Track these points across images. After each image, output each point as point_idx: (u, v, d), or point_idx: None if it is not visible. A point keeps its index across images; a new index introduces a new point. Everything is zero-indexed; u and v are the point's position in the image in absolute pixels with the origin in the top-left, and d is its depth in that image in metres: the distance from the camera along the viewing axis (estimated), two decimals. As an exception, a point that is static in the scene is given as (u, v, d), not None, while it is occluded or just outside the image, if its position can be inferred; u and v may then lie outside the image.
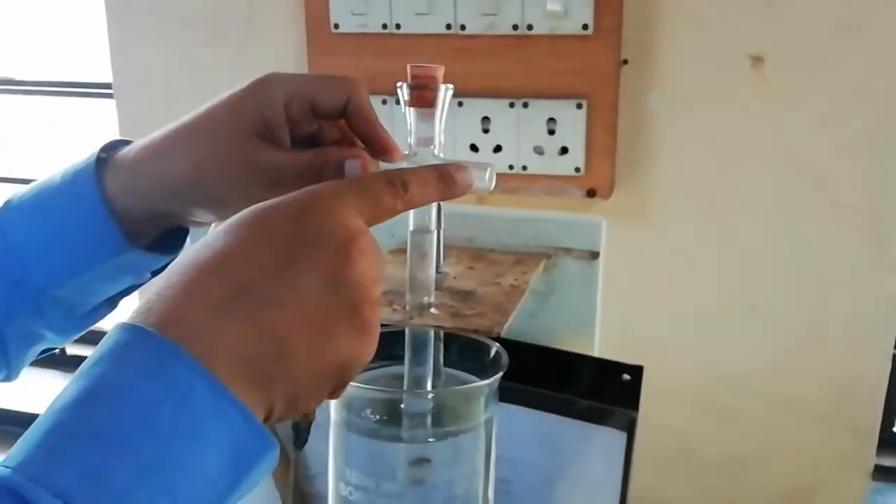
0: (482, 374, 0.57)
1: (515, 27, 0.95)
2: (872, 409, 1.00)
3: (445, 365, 0.61)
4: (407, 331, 0.54)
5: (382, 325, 0.58)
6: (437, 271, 0.61)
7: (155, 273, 0.54)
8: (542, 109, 0.96)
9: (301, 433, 0.72)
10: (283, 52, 1.07)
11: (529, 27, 0.94)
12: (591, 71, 0.94)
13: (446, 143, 1.00)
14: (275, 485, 0.70)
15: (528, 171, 0.98)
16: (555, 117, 0.96)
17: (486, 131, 0.98)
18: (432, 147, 0.52)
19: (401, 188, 0.42)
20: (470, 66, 0.97)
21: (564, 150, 0.97)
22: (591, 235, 0.67)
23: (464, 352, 0.60)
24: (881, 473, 1.28)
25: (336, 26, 1.00)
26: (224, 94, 0.51)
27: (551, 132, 0.97)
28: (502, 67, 0.96)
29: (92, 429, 0.31)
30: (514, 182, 0.99)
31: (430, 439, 0.56)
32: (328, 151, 0.50)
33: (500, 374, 0.56)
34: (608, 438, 0.67)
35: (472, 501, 0.54)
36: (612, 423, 0.67)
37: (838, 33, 0.90)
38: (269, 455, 0.34)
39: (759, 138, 0.95)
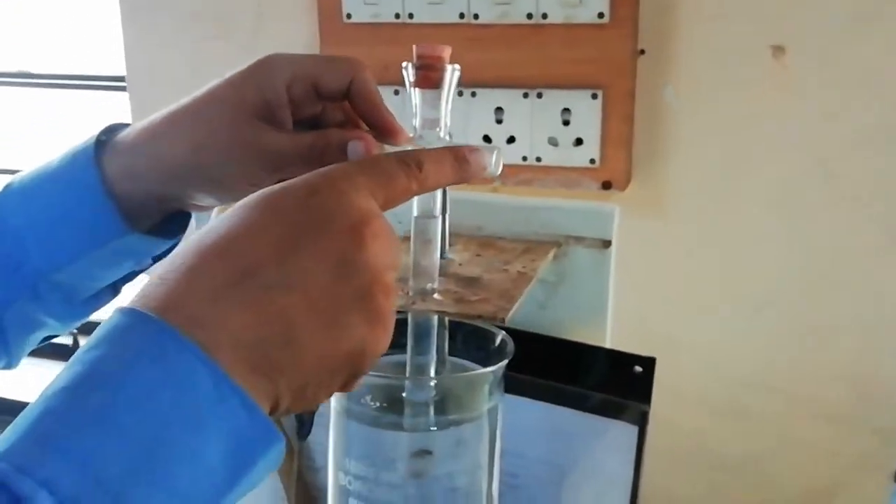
0: (487, 363, 0.56)
1: (530, 16, 0.93)
2: (894, 409, 0.97)
3: (451, 353, 0.59)
4: (410, 317, 0.53)
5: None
6: (442, 257, 0.59)
7: (157, 258, 0.54)
8: (556, 100, 0.95)
9: (304, 423, 0.71)
10: (295, 43, 1.06)
11: (544, 16, 0.93)
12: (607, 60, 0.93)
13: (459, 134, 0.99)
14: (278, 476, 0.69)
15: (543, 163, 0.97)
16: (569, 108, 0.95)
17: (499, 122, 0.97)
18: (438, 130, 0.50)
19: (415, 168, 0.40)
20: (483, 56, 0.96)
21: (579, 142, 0.95)
22: (604, 224, 0.66)
23: (469, 340, 0.59)
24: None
25: (348, 16, 0.99)
26: (226, 74, 0.50)
27: (566, 123, 0.95)
28: (516, 57, 0.95)
29: (84, 415, 0.29)
30: (527, 174, 0.98)
31: (432, 428, 0.54)
32: (330, 133, 0.48)
33: (505, 361, 0.54)
34: (619, 432, 0.66)
35: (474, 495, 0.52)
36: (623, 417, 0.66)
37: (857, 22, 0.88)
38: (273, 449, 0.32)
39: (776, 130, 0.93)
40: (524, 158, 0.97)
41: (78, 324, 0.55)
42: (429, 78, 0.50)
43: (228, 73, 0.50)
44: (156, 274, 0.34)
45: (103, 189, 0.48)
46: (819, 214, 0.94)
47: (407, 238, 0.51)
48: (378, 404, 0.54)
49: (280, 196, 0.36)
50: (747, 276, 0.98)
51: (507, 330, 0.67)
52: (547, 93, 0.95)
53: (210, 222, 0.36)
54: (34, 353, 1.57)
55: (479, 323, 0.52)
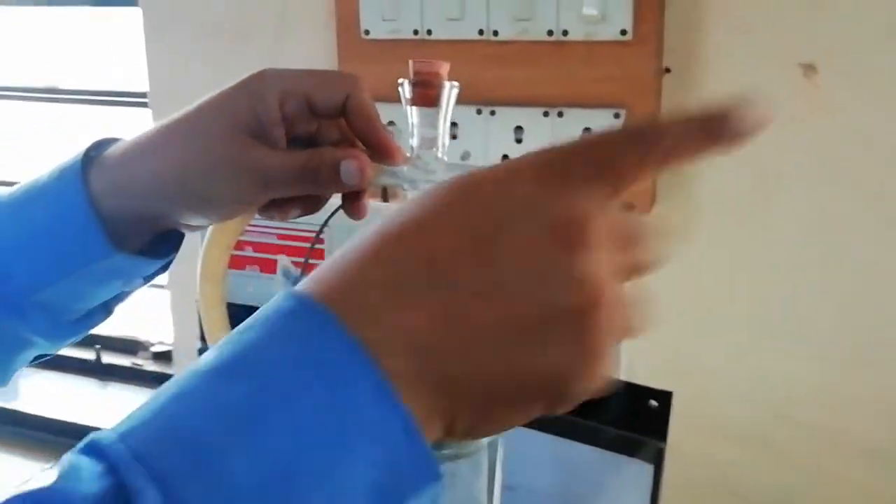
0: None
1: (550, 33, 0.91)
2: (935, 446, 0.93)
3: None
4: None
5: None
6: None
7: (147, 279, 0.52)
8: (577, 119, 0.92)
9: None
10: (314, 59, 1.05)
11: (565, 33, 0.90)
12: (630, 79, 0.90)
13: (477, 153, 0.97)
14: None
15: (563, 184, 0.94)
16: (591, 128, 0.92)
17: (518, 141, 0.94)
18: (435, 149, 0.48)
19: (650, 141, 0.32)
20: (503, 74, 0.94)
21: (601, 162, 0.92)
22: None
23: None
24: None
25: (366, 32, 0.98)
26: (218, 89, 0.48)
27: (587, 143, 0.92)
28: (536, 75, 0.93)
29: (220, 405, 0.25)
30: (547, 195, 0.95)
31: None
32: (324, 152, 0.46)
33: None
34: (633, 471, 0.62)
35: (470, 534, 0.49)
36: (637, 454, 0.62)
37: (892, 38, 0.84)
38: (427, 487, 0.26)
39: (808, 151, 0.89)
40: (544, 179, 0.94)
41: (69, 343, 0.53)
42: (426, 95, 0.47)
43: (221, 88, 0.48)
44: (331, 258, 0.30)
45: (89, 206, 0.46)
46: (855, 238, 0.90)
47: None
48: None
49: (480, 180, 0.30)
50: (779, 302, 0.94)
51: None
52: (568, 112, 0.92)
53: (399, 205, 0.32)
54: (53, 366, 1.57)
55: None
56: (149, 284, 0.52)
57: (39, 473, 0.24)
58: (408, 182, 0.48)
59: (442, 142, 0.48)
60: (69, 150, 0.49)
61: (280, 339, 0.27)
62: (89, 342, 1.57)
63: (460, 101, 0.96)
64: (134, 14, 1.17)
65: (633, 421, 0.62)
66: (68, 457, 0.25)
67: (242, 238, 0.73)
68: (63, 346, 0.53)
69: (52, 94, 1.50)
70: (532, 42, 0.92)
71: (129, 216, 0.47)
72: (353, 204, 0.48)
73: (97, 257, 0.47)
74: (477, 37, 0.93)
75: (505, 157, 0.95)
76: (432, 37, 0.95)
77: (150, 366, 1.50)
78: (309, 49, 1.05)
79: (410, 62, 0.48)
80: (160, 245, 0.50)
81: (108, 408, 1.48)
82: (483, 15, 0.92)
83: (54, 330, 0.51)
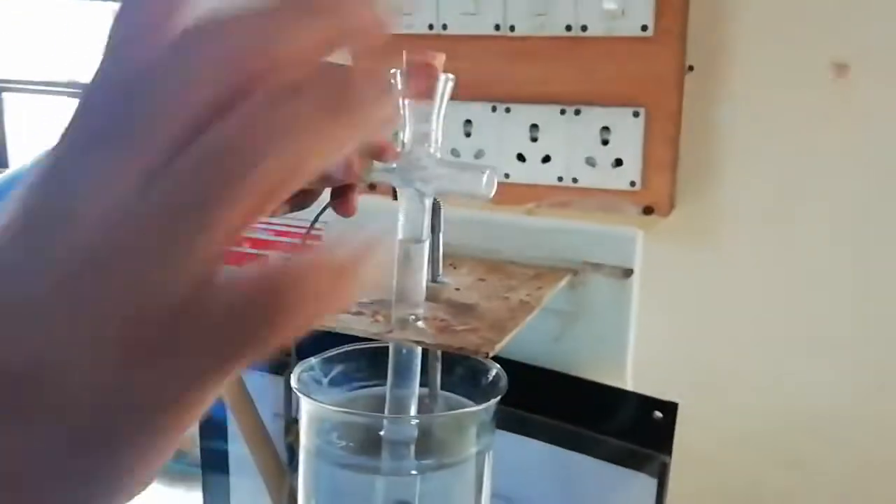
0: (481, 400, 0.50)
1: (569, 28, 0.87)
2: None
3: (446, 388, 0.54)
4: (391, 346, 0.48)
5: (367, 340, 0.52)
6: (435, 281, 0.54)
7: None
8: (595, 117, 0.89)
9: (296, 453, 0.66)
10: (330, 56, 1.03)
11: (583, 28, 0.87)
12: (651, 76, 0.86)
13: (491, 151, 0.94)
14: (269, 496, 0.64)
15: (579, 184, 0.91)
16: (609, 126, 0.88)
17: (534, 140, 0.91)
18: (428, 145, 0.45)
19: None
20: (519, 70, 0.91)
21: (619, 162, 0.89)
22: (625, 250, 0.59)
23: (467, 374, 0.53)
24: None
25: (381, 26, 0.95)
26: None
27: (605, 142, 0.89)
28: (553, 71, 0.89)
29: None
30: (563, 195, 0.92)
31: (412, 472, 0.49)
32: None
33: (495, 400, 0.48)
34: (636, 485, 0.59)
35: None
36: (640, 468, 0.59)
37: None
38: None
39: (839, 154, 0.85)
40: (560, 179, 0.91)
41: None
42: (419, 88, 0.44)
43: None
44: None
45: None
46: (888, 247, 0.85)
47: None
48: (352, 444, 0.48)
49: None
50: (808, 313, 0.89)
51: (516, 364, 0.62)
52: (585, 110, 0.89)
53: None
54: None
55: (469, 354, 0.46)
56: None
57: None
58: (399, 179, 0.45)
59: (435, 137, 0.45)
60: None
61: None
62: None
63: (475, 97, 0.94)
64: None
65: (636, 433, 0.59)
66: None
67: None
68: None
69: (72, 88, 1.50)
70: (549, 37, 0.88)
71: None
72: (340, 200, 0.45)
73: None
74: (493, 32, 0.90)
75: (520, 156, 0.92)
76: (447, 31, 0.92)
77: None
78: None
79: (404, 53, 0.45)
80: None
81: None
82: (499, 9, 0.89)
83: None
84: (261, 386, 0.66)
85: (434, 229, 0.53)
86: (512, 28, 0.90)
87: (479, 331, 0.47)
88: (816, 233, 0.87)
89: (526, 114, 0.91)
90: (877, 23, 0.81)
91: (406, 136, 0.45)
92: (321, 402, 0.47)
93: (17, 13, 1.59)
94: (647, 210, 0.89)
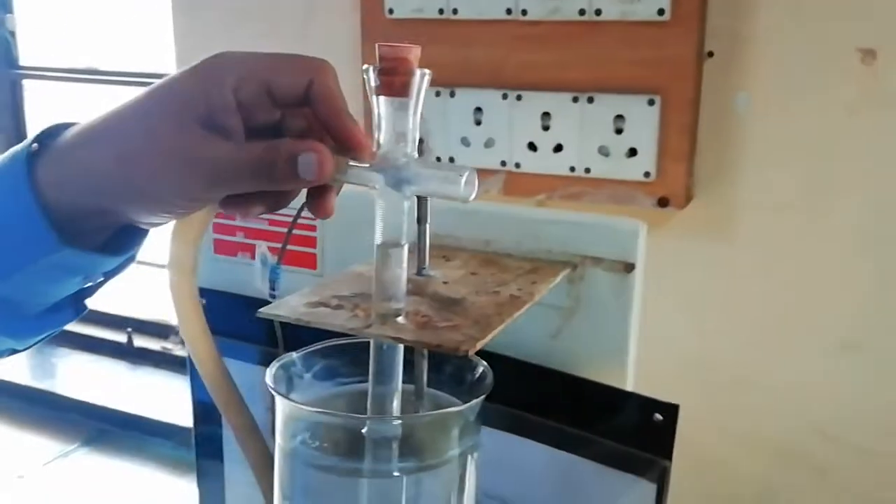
0: (468, 398, 0.47)
1: (582, 12, 0.84)
2: None
3: (434, 386, 0.52)
4: (371, 342, 0.46)
5: (342, 336, 0.49)
6: (421, 273, 0.51)
7: (108, 275, 0.47)
8: (609, 105, 0.85)
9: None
10: (341, 40, 1.01)
11: (598, 12, 0.84)
12: (667, 63, 0.83)
13: (502, 140, 0.92)
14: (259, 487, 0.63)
15: (592, 175, 0.88)
16: (623, 114, 0.85)
17: (545, 128, 0.89)
18: (404, 144, 0.42)
19: None
20: (530, 56, 0.88)
21: (633, 152, 0.86)
22: (626, 243, 0.56)
23: (455, 371, 0.51)
24: None
25: (391, 11, 0.93)
26: (171, 73, 0.43)
27: (619, 131, 0.86)
28: (566, 57, 0.86)
29: None
30: (575, 186, 0.89)
31: (394, 473, 0.47)
32: (280, 144, 0.40)
33: (479, 399, 0.46)
34: (633, 490, 0.56)
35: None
36: (638, 472, 0.56)
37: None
38: None
39: (865, 145, 0.81)
40: (572, 169, 0.88)
41: (40, 338, 0.49)
42: (393, 84, 0.42)
43: (174, 72, 0.43)
44: None
45: (32, 200, 0.42)
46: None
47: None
48: (326, 444, 0.46)
49: None
50: (829, 312, 0.86)
51: (511, 361, 0.59)
52: (598, 97, 0.86)
53: None
54: (87, 348, 1.57)
55: (448, 351, 0.44)
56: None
57: None
58: (375, 180, 0.42)
59: (413, 136, 0.42)
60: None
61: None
62: (121, 325, 1.58)
63: (485, 84, 0.91)
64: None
65: (635, 435, 0.56)
66: None
67: (234, 224, 0.69)
68: (33, 341, 0.49)
69: (92, 76, 1.50)
70: (562, 22, 0.85)
71: (73, 211, 0.43)
72: (316, 201, 0.43)
73: (45, 252, 0.43)
74: (504, 16, 0.88)
75: (531, 144, 0.90)
76: (458, 16, 0.90)
77: (179, 350, 1.49)
78: (336, 29, 1.01)
79: (377, 46, 0.42)
80: (122, 240, 0.46)
81: (139, 392, 1.48)
82: (511, -8, 0.86)
83: (17, 325, 0.47)
84: (252, 380, 0.65)
85: (420, 220, 0.51)
86: (524, 12, 0.87)
87: (461, 327, 0.45)
88: (841, 227, 0.84)
89: (537, 101, 0.88)
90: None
91: (382, 135, 0.43)
92: (295, 402, 0.45)
93: (39, 2, 1.60)
94: (662, 202, 0.86)
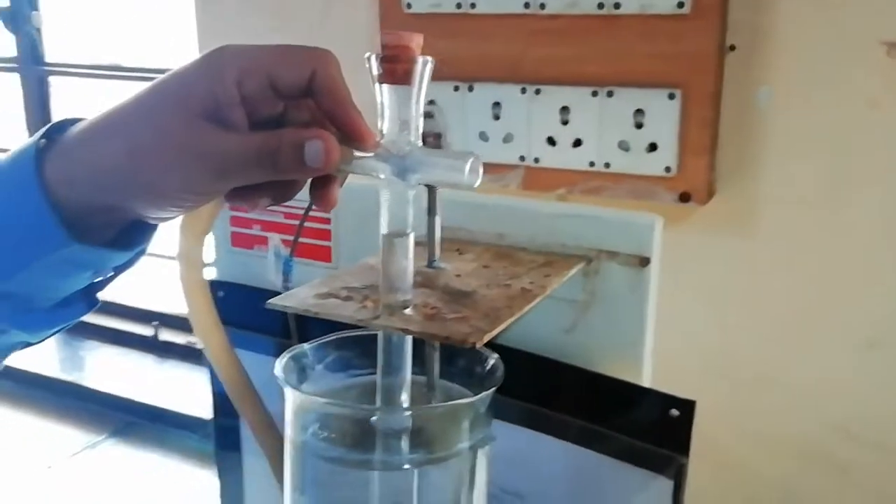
0: (479, 391, 0.47)
1: (601, 6, 0.84)
2: None
3: (446, 378, 0.52)
4: (380, 334, 0.46)
5: (355, 327, 0.49)
6: (431, 266, 0.51)
7: (119, 269, 0.48)
8: (628, 99, 0.85)
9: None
10: (358, 34, 1.01)
11: (616, 6, 0.83)
12: (687, 56, 0.82)
13: (520, 135, 0.91)
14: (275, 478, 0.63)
15: (611, 170, 0.87)
16: (643, 108, 0.84)
17: (565, 123, 0.88)
18: (407, 133, 0.42)
19: None
20: (549, 50, 0.87)
21: (653, 147, 0.85)
22: (642, 237, 0.56)
23: (467, 363, 0.51)
24: None
25: (408, 6, 0.93)
26: (175, 67, 0.43)
27: (639, 125, 0.85)
28: (585, 51, 0.86)
29: None
30: (595, 181, 0.88)
31: (405, 465, 0.47)
32: (284, 133, 0.41)
33: (489, 392, 0.46)
34: (650, 486, 0.56)
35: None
36: (655, 468, 0.55)
37: None
38: None
39: (887, 139, 0.80)
40: (591, 164, 0.88)
41: (54, 332, 0.50)
42: (395, 72, 0.42)
43: (178, 66, 0.43)
44: None
45: (41, 194, 0.42)
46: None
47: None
48: (335, 435, 0.46)
49: None
50: (852, 307, 0.85)
51: (525, 355, 0.59)
52: (618, 91, 0.85)
53: None
54: (114, 342, 1.58)
55: (458, 344, 0.43)
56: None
57: None
58: (379, 169, 0.42)
59: (416, 124, 0.42)
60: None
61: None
62: (148, 319, 1.60)
63: (504, 78, 0.91)
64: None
65: (652, 432, 0.56)
66: None
67: (250, 216, 0.70)
68: (46, 334, 0.50)
69: (116, 72, 1.52)
70: (581, 16, 0.85)
71: (81, 206, 0.43)
72: (320, 192, 0.43)
73: (54, 248, 0.43)
74: (522, 10, 0.87)
75: (550, 139, 0.89)
76: (476, 10, 0.89)
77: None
78: (354, 23, 1.01)
79: (380, 34, 0.42)
80: (132, 235, 0.46)
81: (165, 385, 1.50)
82: (530, -14, 0.86)
83: (29, 319, 0.47)
84: (268, 372, 0.65)
85: (430, 212, 0.51)
86: (542, 6, 0.86)
87: (470, 319, 0.45)
88: (865, 222, 0.82)
89: (556, 96, 0.88)
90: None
91: (385, 124, 0.43)
92: (303, 392, 0.45)
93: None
94: (684, 197, 0.85)
